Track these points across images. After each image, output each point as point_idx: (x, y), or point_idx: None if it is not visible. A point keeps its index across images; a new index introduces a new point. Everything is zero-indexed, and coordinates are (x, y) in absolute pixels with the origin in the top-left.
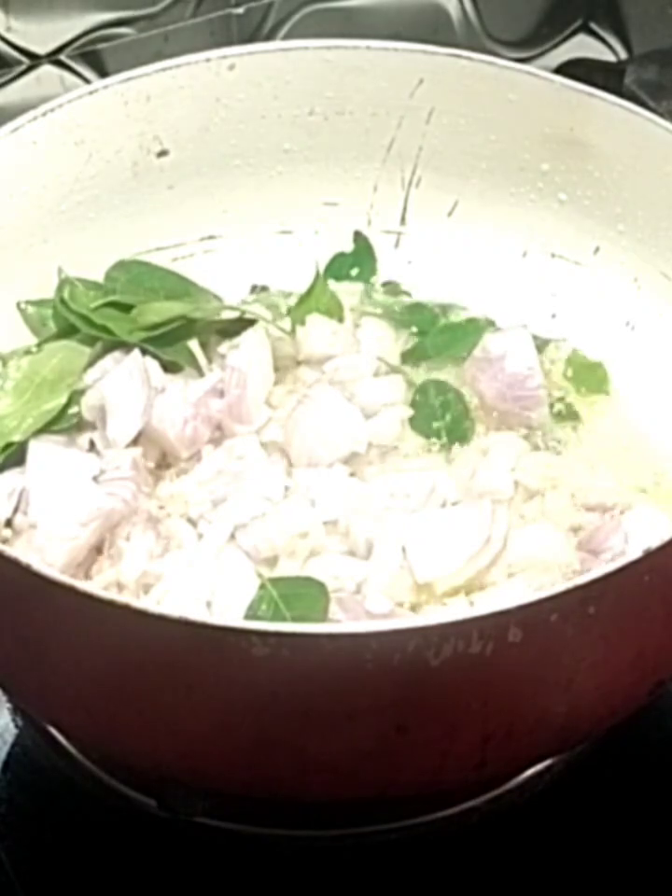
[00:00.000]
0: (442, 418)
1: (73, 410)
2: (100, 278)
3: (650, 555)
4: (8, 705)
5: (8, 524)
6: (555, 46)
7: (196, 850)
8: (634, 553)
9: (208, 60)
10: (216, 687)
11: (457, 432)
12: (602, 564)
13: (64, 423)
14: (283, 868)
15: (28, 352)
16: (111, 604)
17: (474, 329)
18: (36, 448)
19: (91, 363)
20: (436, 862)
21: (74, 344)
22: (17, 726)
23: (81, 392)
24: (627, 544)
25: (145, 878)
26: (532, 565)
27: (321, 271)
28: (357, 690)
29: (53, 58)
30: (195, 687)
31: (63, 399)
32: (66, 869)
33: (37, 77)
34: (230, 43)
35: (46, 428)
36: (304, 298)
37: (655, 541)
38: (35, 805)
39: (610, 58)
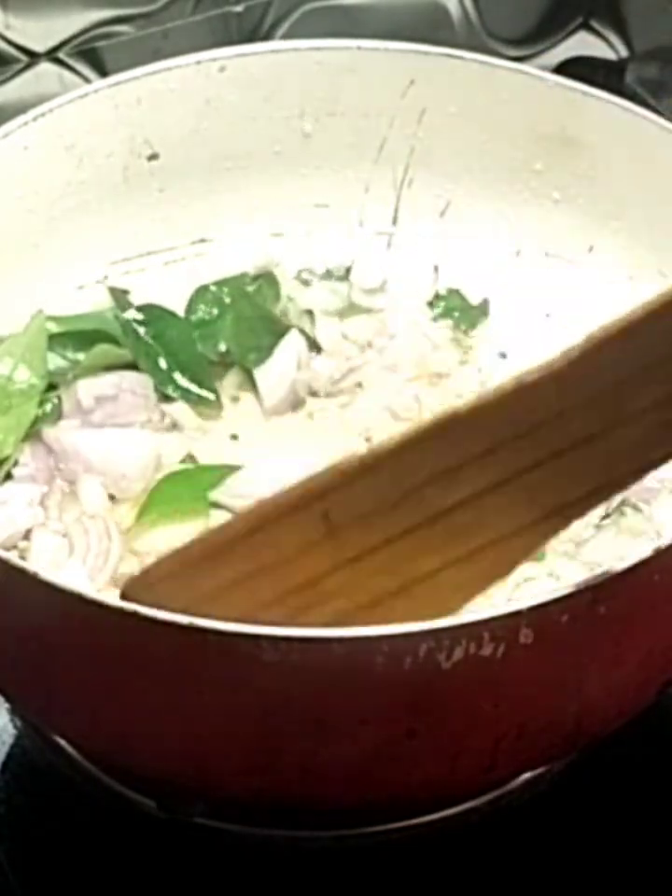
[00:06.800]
0: None
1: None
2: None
3: (659, 554)
4: (8, 705)
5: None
6: (556, 43)
7: (196, 851)
8: (642, 552)
9: (198, 62)
10: (225, 692)
11: None
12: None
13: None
14: (283, 868)
15: None
16: (119, 611)
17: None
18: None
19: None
20: (436, 862)
21: None
22: (16, 726)
23: (53, 386)
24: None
25: (144, 879)
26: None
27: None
28: (368, 694)
29: (52, 56)
30: (204, 693)
31: (36, 401)
32: (66, 869)
33: (36, 75)
34: (228, 41)
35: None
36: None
37: (664, 540)
38: (34, 806)
39: (611, 56)
